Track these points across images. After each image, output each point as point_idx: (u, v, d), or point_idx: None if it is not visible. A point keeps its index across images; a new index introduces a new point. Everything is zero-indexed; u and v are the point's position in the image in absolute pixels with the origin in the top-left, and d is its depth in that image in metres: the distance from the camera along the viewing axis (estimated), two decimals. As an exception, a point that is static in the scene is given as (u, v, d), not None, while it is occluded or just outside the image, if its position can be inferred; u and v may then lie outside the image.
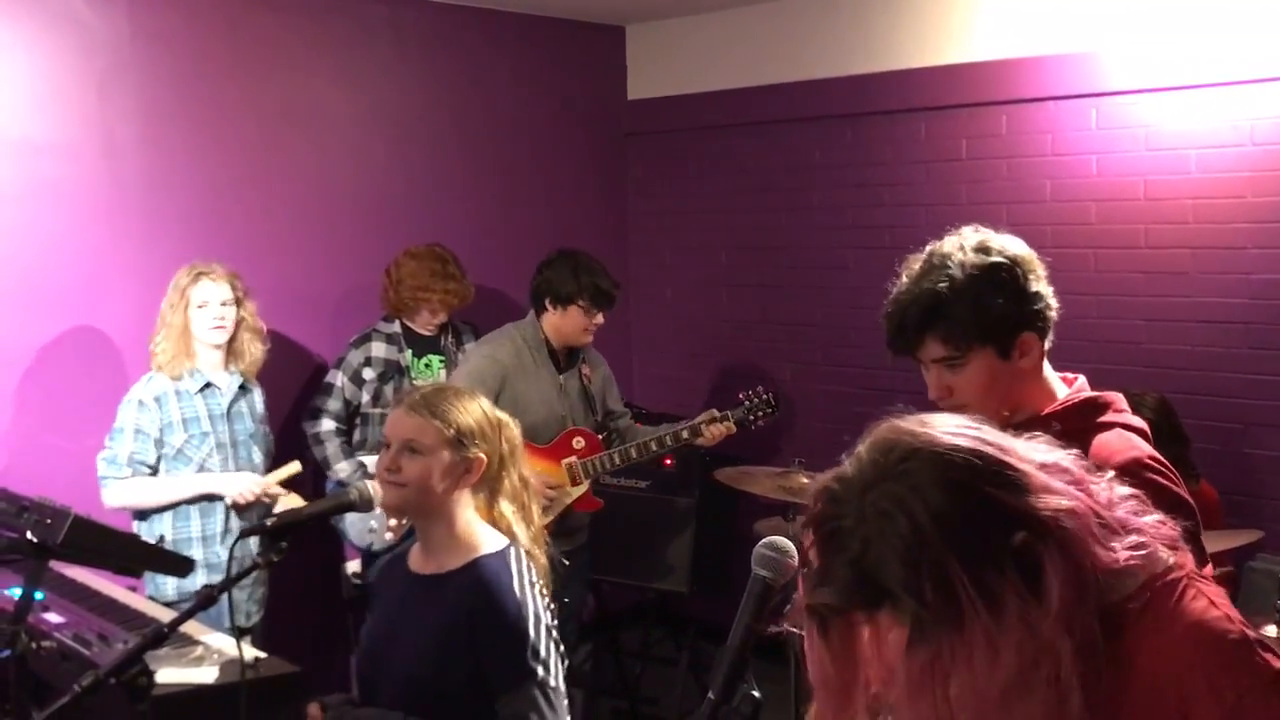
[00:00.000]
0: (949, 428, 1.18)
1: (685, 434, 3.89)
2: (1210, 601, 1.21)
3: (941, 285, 1.82)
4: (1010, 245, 1.88)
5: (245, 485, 3.64)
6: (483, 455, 2.25)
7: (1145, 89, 4.15)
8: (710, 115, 5.39)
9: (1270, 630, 3.08)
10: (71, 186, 3.99)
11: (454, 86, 5.03)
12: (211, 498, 3.62)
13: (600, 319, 3.91)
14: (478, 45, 5.10)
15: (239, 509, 3.65)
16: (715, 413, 3.89)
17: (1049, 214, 4.36)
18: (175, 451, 3.58)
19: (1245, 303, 4.00)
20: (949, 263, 1.84)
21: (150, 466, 3.57)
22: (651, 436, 3.95)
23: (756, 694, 1.41)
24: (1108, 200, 4.27)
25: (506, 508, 2.30)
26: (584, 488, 3.88)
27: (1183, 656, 1.17)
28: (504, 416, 2.32)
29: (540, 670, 2.14)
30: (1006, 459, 1.15)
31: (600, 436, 3.97)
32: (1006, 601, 1.09)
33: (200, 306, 3.61)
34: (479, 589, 2.17)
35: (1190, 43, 4.03)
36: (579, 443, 3.86)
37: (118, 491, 3.55)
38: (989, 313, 1.81)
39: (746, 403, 3.94)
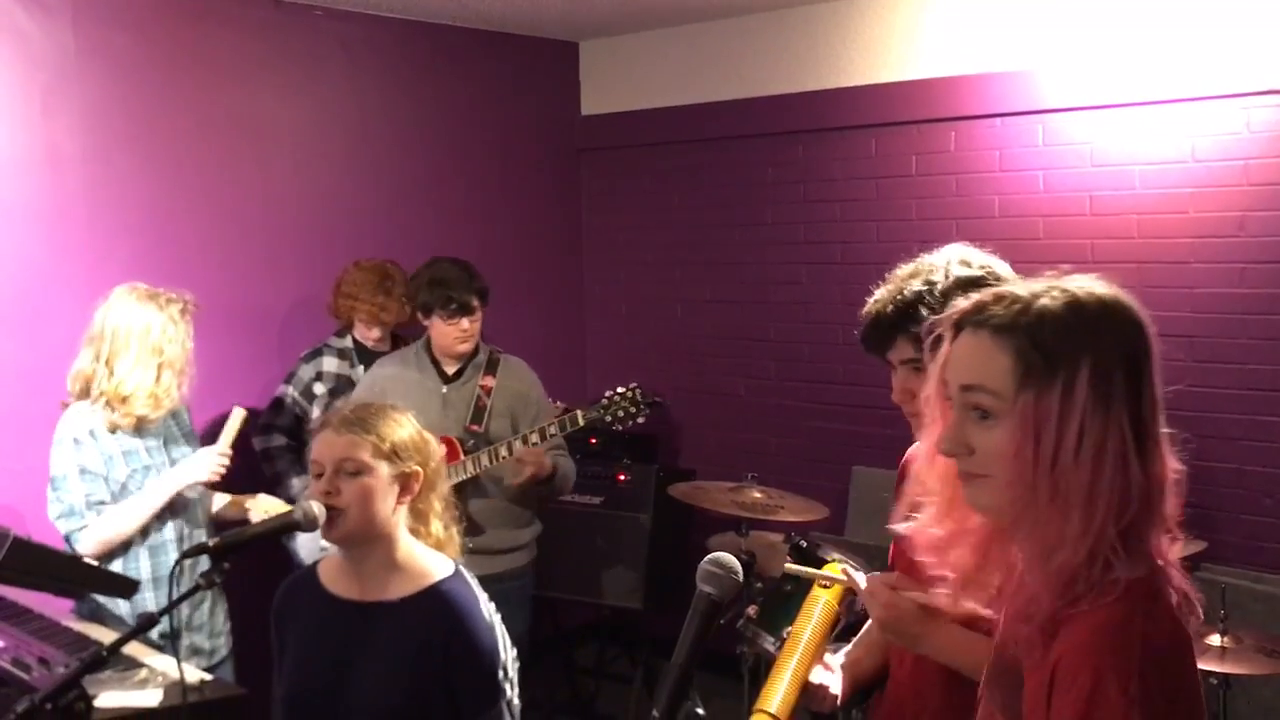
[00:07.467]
0: None
1: (504, 451, 3.61)
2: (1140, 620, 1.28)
3: (923, 288, 1.86)
4: (995, 264, 1.94)
5: (206, 462, 3.27)
6: (418, 468, 2.22)
7: (1089, 106, 4.21)
8: (663, 131, 5.41)
9: (1214, 640, 3.11)
10: (14, 201, 3.92)
11: (406, 102, 5.01)
12: (173, 517, 3.29)
13: (466, 324, 3.69)
14: (430, 61, 5.08)
15: (214, 486, 3.38)
16: (548, 427, 3.49)
17: (998, 229, 4.41)
18: (120, 487, 3.22)
19: (1189, 316, 4.06)
20: (934, 270, 1.89)
21: (109, 503, 3.20)
22: (484, 450, 3.68)
23: (701, 711, 1.40)
24: (1055, 216, 4.33)
25: (438, 527, 2.28)
26: None
27: (1081, 640, 1.27)
28: (429, 434, 2.30)
29: (508, 688, 2.19)
30: None
31: (465, 446, 3.72)
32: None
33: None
34: (450, 616, 2.15)
35: (1130, 62, 4.10)
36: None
37: (90, 538, 3.16)
38: None
39: (605, 400, 3.43)
